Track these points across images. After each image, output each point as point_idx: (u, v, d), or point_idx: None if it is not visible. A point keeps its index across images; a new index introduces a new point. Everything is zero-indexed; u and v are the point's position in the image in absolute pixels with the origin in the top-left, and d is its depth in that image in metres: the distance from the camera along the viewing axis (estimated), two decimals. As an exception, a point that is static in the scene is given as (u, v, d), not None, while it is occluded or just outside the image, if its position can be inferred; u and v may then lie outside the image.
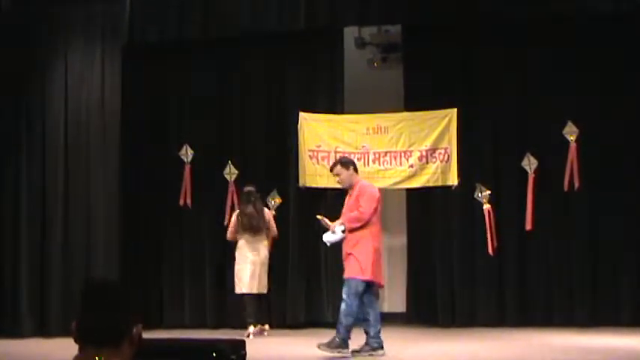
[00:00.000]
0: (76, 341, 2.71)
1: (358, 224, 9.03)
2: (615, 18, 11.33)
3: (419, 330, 11.70)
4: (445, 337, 10.94)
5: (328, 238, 9.23)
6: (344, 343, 8.97)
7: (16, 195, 11.70)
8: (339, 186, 11.73)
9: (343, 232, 9.08)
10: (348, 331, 8.96)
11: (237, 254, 11.22)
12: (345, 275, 9.08)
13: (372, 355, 9.06)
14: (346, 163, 9.37)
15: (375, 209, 9.10)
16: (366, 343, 9.14)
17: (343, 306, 8.94)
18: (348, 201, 9.30)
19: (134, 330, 2.73)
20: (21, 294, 11.52)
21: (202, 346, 3.53)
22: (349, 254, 9.05)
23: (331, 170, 9.50)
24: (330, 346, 8.94)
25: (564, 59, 11.73)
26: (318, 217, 9.49)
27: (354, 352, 9.08)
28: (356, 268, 8.94)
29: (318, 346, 8.93)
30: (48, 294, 11.53)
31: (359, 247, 8.99)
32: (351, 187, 9.26)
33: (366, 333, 9.13)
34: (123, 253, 11.72)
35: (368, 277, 8.93)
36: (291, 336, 11.30)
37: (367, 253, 8.95)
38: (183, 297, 12.37)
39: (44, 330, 11.38)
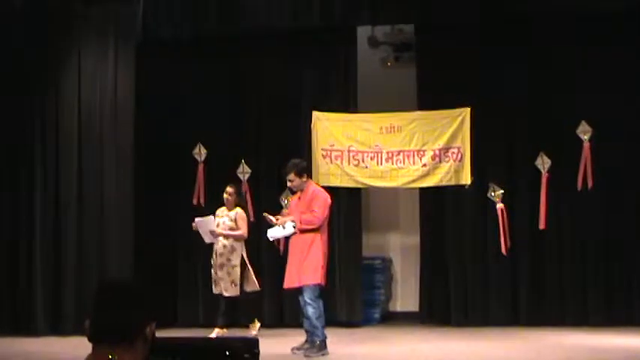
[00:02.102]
0: (89, 340, 2.73)
1: (310, 227, 9.43)
2: (630, 16, 11.31)
3: (432, 329, 11.69)
4: (458, 336, 10.93)
5: (274, 233, 9.71)
6: (324, 344, 9.38)
7: (31, 194, 11.73)
8: (352, 185, 11.82)
9: (294, 227, 9.44)
10: (324, 330, 9.38)
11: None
12: (303, 282, 9.40)
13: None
14: (301, 172, 9.65)
15: (327, 215, 9.54)
16: (307, 341, 9.49)
17: (311, 310, 9.30)
18: (298, 202, 9.65)
19: (147, 329, 2.74)
20: (36, 293, 11.55)
21: (216, 345, 3.54)
22: (303, 260, 9.39)
23: (285, 175, 9.72)
24: (318, 351, 9.31)
25: (580, 58, 11.70)
26: (265, 214, 9.94)
27: (294, 349, 9.47)
28: (313, 274, 9.35)
29: (306, 356, 9.27)
30: (62, 293, 11.56)
31: (312, 253, 9.40)
32: (302, 190, 9.63)
33: (307, 332, 9.48)
34: (136, 252, 11.75)
35: (321, 280, 9.41)
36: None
37: (319, 259, 9.38)
38: (197, 296, 12.39)
39: (59, 329, 11.41)
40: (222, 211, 11.04)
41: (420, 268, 12.42)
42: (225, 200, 11.00)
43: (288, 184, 9.72)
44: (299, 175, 9.58)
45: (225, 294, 10.68)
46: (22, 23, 11.76)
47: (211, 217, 10.96)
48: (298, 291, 9.52)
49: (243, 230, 10.89)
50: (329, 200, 9.64)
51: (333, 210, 12.06)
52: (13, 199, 11.83)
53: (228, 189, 11.03)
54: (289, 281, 9.58)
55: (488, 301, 11.91)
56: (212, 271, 10.88)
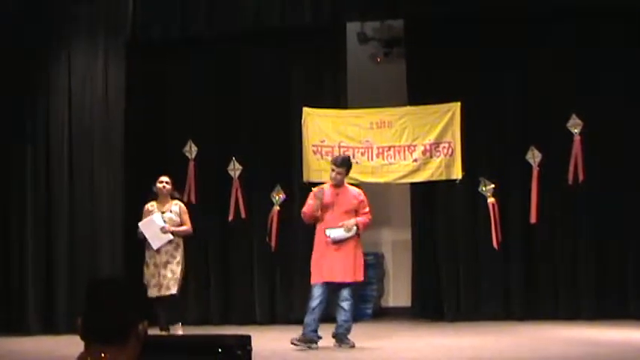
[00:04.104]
0: (82, 338, 2.72)
1: (365, 229, 9.65)
2: (620, 14, 11.35)
3: (424, 324, 11.71)
4: (451, 331, 10.95)
5: (339, 235, 9.46)
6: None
7: (22, 194, 11.71)
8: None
9: (356, 231, 9.49)
10: None
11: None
12: (357, 278, 9.46)
13: (309, 347, 9.38)
14: (348, 169, 9.75)
15: None
16: (304, 334, 9.45)
17: (350, 305, 9.38)
18: (336, 197, 9.58)
19: (140, 327, 2.74)
20: (28, 292, 11.54)
21: (208, 342, 3.54)
22: (354, 258, 9.44)
23: (338, 166, 9.64)
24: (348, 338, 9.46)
25: (568, 54, 11.73)
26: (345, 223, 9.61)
27: (294, 340, 9.43)
28: (362, 272, 9.54)
29: (348, 344, 9.41)
30: (54, 292, 11.56)
31: (360, 251, 9.59)
32: (339, 186, 9.65)
33: (307, 326, 9.43)
34: (128, 250, 11.73)
35: None
36: (296, 331, 11.30)
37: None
38: (188, 293, 12.37)
39: (51, 327, 11.40)
40: (153, 205, 10.36)
41: (412, 264, 12.44)
42: (159, 190, 10.30)
43: (335, 174, 9.57)
44: (347, 172, 9.67)
45: (167, 292, 10.01)
46: (12, 22, 11.72)
47: (156, 214, 10.20)
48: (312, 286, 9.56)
49: (189, 225, 10.30)
50: None
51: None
52: (4, 199, 11.82)
53: (164, 178, 10.35)
54: (341, 275, 9.40)
55: (480, 296, 11.93)
56: (148, 271, 10.12)
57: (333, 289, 9.44)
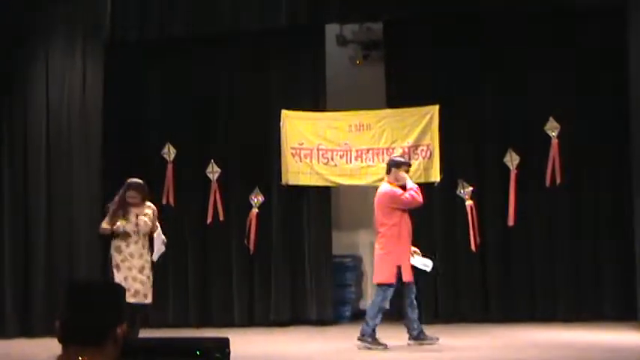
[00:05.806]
0: (59, 341, 2.72)
1: None
2: (596, 15, 11.40)
3: (402, 327, 11.69)
4: (428, 333, 10.95)
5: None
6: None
7: (-1, 195, 11.66)
8: (322, 184, 11.85)
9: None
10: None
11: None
12: None
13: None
14: None
15: None
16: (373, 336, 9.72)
17: None
18: None
19: (118, 329, 2.74)
20: (5, 295, 11.46)
21: (186, 345, 3.54)
22: None
23: (410, 167, 10.04)
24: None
25: (545, 57, 11.77)
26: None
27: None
28: None
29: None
30: (32, 295, 11.48)
31: None
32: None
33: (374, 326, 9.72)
34: (106, 253, 11.66)
35: None
36: (275, 334, 11.31)
37: None
38: (167, 296, 12.33)
39: (28, 330, 11.33)
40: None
41: (390, 266, 12.44)
42: (131, 202, 9.70)
43: (408, 175, 9.82)
44: None
45: (146, 301, 9.57)
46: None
47: (158, 227, 9.80)
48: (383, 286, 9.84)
49: (159, 229, 9.86)
50: None
51: (302, 208, 12.10)
52: (-19, 201, 11.75)
53: (131, 193, 9.69)
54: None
55: (458, 298, 11.94)
56: (119, 274, 9.56)
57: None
